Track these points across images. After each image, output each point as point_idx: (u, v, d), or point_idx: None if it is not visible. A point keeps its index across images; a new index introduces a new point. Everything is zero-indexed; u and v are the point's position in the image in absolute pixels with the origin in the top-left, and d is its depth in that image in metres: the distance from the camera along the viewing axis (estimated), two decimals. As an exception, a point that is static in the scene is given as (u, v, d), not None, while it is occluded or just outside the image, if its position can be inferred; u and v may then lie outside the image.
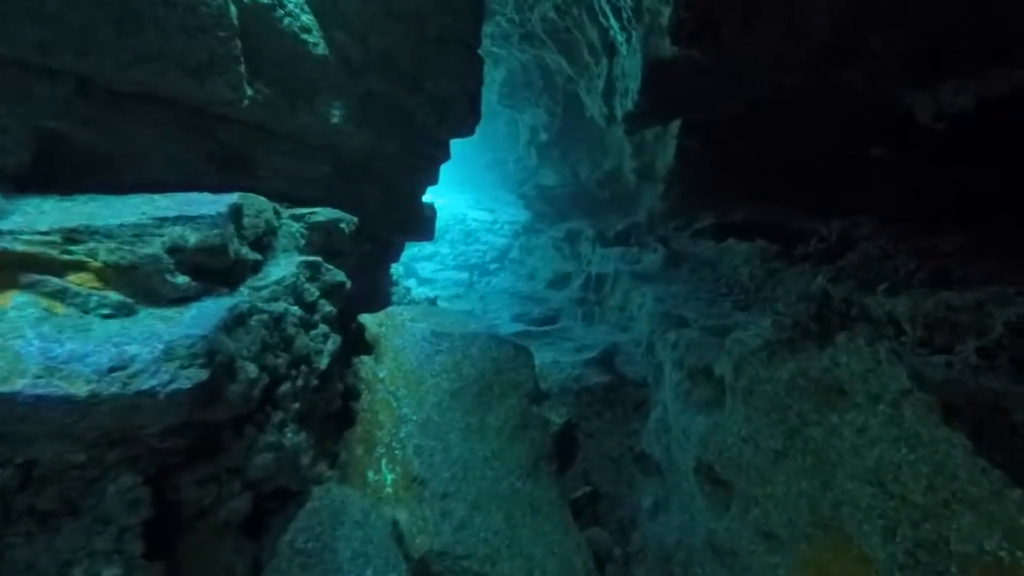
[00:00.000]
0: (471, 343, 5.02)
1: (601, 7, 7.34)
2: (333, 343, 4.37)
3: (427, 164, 6.45)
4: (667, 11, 5.75)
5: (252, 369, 3.11)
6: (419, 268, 17.50)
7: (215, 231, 3.30)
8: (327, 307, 4.42)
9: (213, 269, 3.35)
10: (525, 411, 4.94)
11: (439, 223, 20.43)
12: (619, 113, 7.87)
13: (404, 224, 6.94)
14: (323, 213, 4.86)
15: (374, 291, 7.40)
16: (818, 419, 3.32)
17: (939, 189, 8.29)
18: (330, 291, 4.55)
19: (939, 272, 6.04)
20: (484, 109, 16.86)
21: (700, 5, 5.41)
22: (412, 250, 18.63)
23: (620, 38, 7.24)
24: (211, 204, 3.50)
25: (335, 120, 4.98)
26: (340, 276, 4.55)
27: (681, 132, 10.02)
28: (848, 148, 8.75)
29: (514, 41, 11.44)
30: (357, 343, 5.25)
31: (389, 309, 5.40)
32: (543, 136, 13.27)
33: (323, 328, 4.32)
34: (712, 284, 7.55)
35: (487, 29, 11.45)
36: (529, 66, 12.32)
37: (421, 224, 7.26)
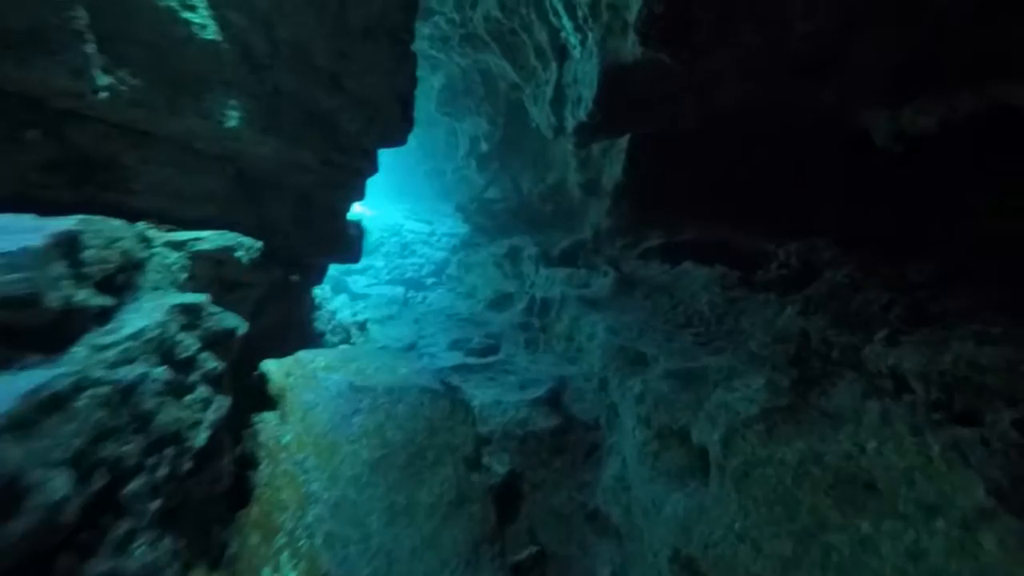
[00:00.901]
0: (398, 399, 4.06)
1: (552, 5, 6.52)
2: (217, 410, 3.34)
3: (351, 178, 5.46)
4: (636, 6, 4.96)
5: (59, 485, 2.08)
6: (351, 282, 16.29)
7: (18, 276, 2.25)
8: (211, 362, 3.38)
9: (18, 328, 2.30)
10: (463, 481, 4.02)
11: (373, 234, 19.34)
12: (569, 124, 7.07)
13: (325, 245, 5.91)
14: (211, 239, 3.81)
15: (289, 323, 6.34)
16: (841, 523, 2.53)
17: (897, 211, 7.87)
18: (216, 341, 3.51)
19: (915, 307, 5.46)
20: (421, 116, 15.88)
21: (677, 1, 4.66)
22: (341, 264, 17.42)
23: (573, 40, 6.44)
24: (23, 234, 2.44)
25: (231, 123, 3.94)
26: (230, 320, 3.52)
27: (631, 145, 9.35)
28: (805, 167, 8.24)
29: (454, 44, 10.53)
30: (258, 397, 4.21)
31: (299, 355, 4.38)
32: (483, 147, 12.41)
33: (203, 391, 3.28)
34: (669, 313, 6.82)
35: (424, 30, 10.52)
36: (470, 72, 11.44)
37: (346, 244, 6.24)
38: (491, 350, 7.93)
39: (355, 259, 6.71)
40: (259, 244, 4.33)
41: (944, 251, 6.83)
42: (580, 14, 5.99)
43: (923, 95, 6.37)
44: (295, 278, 5.76)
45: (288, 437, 3.82)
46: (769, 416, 3.09)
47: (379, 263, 17.43)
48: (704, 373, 4.64)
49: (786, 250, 7.64)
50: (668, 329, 6.46)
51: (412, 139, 20.74)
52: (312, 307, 8.28)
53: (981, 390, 3.29)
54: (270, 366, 4.31)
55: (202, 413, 3.23)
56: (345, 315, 9.75)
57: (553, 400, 6.36)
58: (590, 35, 5.95)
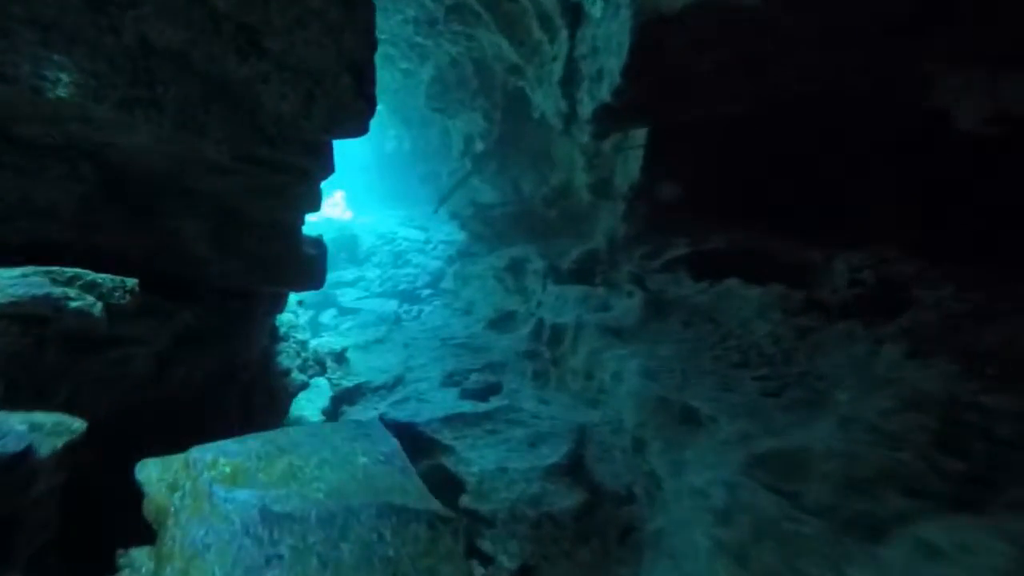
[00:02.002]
0: (342, 533, 2.47)
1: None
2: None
3: (294, 181, 3.88)
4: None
5: None
6: (340, 296, 14.71)
7: None
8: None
9: None
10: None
11: (365, 243, 17.76)
12: (585, 109, 5.46)
13: (268, 271, 4.33)
14: (7, 285, 2.23)
15: (232, 370, 4.77)
16: None
17: (971, 213, 6.29)
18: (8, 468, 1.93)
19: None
20: (414, 115, 14.19)
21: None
22: (332, 275, 15.82)
23: (593, -7, 4.84)
24: None
25: (60, 91, 2.37)
26: (13, 445, 1.93)
27: (650, 139, 7.77)
28: (857, 161, 6.66)
29: (441, 26, 8.95)
30: (129, 523, 2.64)
31: (192, 454, 2.77)
32: (479, 145, 10.84)
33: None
34: (717, 347, 5.24)
35: (408, 12, 8.94)
36: (461, 61, 9.86)
37: (298, 269, 4.67)
38: (492, 390, 6.32)
39: (315, 284, 5.15)
40: (129, 282, 2.75)
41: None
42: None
43: None
44: (225, 314, 4.19)
45: (157, 608, 2.24)
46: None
47: (371, 273, 15.88)
48: (807, 460, 3.05)
49: (847, 261, 6.06)
50: (720, 370, 4.87)
51: (406, 141, 19.20)
52: (275, 339, 6.70)
53: None
54: (150, 472, 2.73)
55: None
56: (322, 341, 8.16)
57: (574, 466, 4.78)
58: (617, -15, 4.38)
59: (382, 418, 5.64)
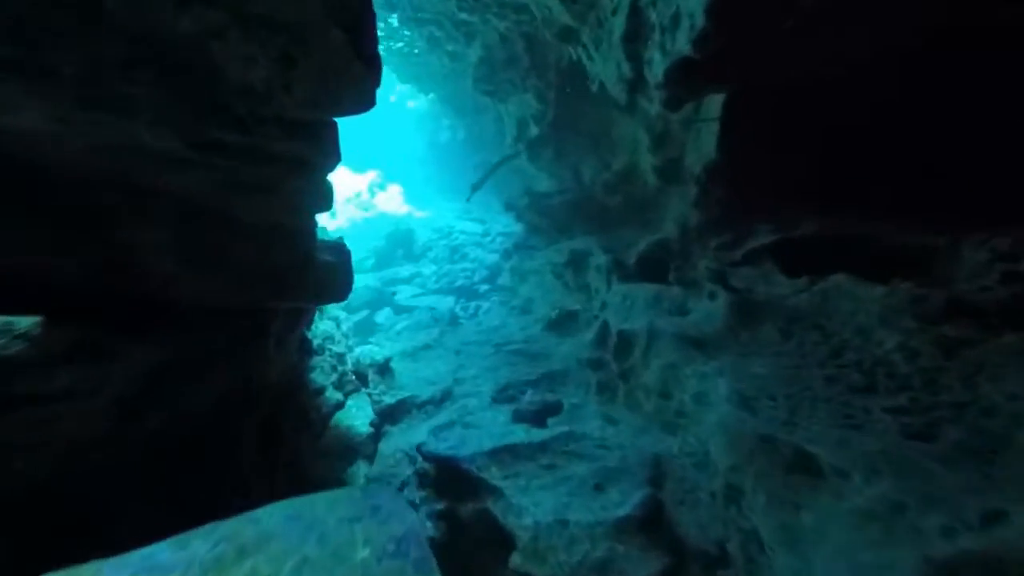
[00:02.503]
0: None
1: None
2: None
3: (286, 172, 3.03)
4: None
5: None
6: (396, 294, 14.08)
7: None
8: None
9: None
10: None
11: (421, 238, 17.09)
12: (656, 70, 4.36)
13: (271, 282, 3.52)
14: None
15: (245, 395, 4.02)
16: None
17: None
18: None
19: None
20: (470, 103, 13.26)
21: None
22: (388, 272, 15.21)
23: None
24: None
25: None
26: None
27: (727, 110, 6.59)
28: (981, 126, 5.32)
29: (493, 5, 8.01)
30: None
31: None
32: (533, 129, 9.83)
33: None
34: (829, 364, 4.10)
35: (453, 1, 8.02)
36: (511, 37, 8.88)
37: (311, 278, 3.84)
38: (550, 410, 5.37)
39: (337, 295, 4.33)
40: (21, 324, 1.94)
41: None
42: None
43: None
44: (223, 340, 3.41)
45: None
46: None
47: (427, 269, 15.24)
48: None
49: (991, 249, 4.77)
50: (837, 397, 3.75)
51: (460, 130, 18.37)
52: (307, 352, 5.97)
53: None
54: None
55: None
56: (365, 350, 7.41)
57: (650, 518, 3.78)
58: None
59: (420, 450, 4.81)
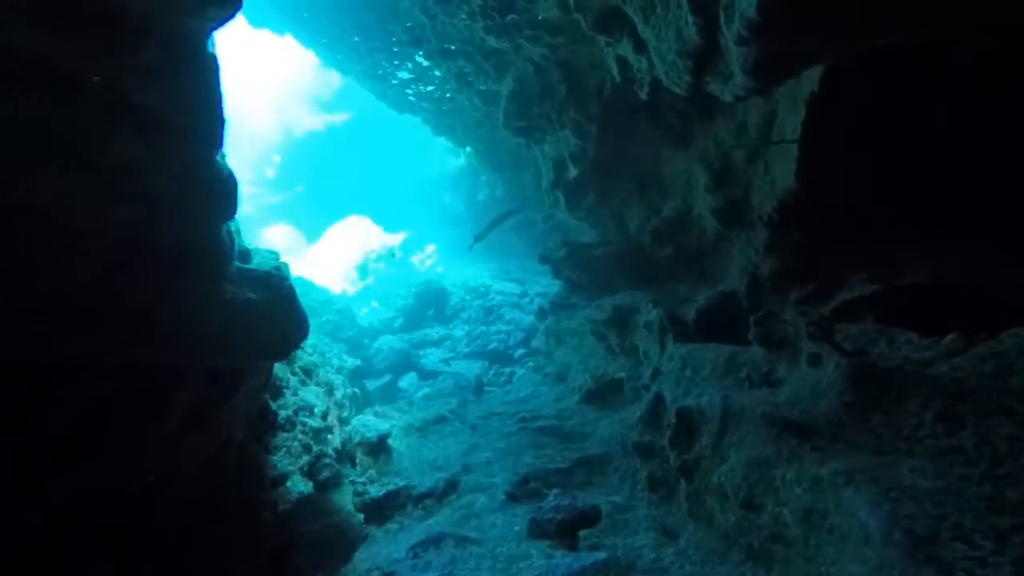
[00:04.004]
0: None
1: None
2: None
3: (103, 124, 1.67)
4: None
5: None
6: (423, 357, 12.69)
7: None
8: None
9: None
10: None
11: (453, 298, 15.76)
12: (735, 26, 2.87)
13: (122, 325, 2.13)
14: None
15: (110, 514, 2.59)
16: None
17: None
18: None
19: None
20: (508, 158, 12.09)
21: None
22: (418, 334, 13.87)
23: None
24: None
25: None
26: None
27: (807, 128, 5.14)
28: None
29: (524, 27, 6.91)
30: None
31: None
32: (572, 171, 8.54)
33: None
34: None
35: (473, 1, 6.93)
36: (546, 68, 7.74)
37: (215, 321, 2.44)
38: (583, 520, 3.72)
39: (269, 352, 2.92)
40: None
41: None
42: None
43: None
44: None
45: None
46: None
47: (459, 331, 13.91)
48: None
49: None
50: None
51: (498, 187, 17.35)
52: (269, 429, 4.53)
53: None
54: None
55: None
56: (357, 425, 5.91)
57: None
58: None
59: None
